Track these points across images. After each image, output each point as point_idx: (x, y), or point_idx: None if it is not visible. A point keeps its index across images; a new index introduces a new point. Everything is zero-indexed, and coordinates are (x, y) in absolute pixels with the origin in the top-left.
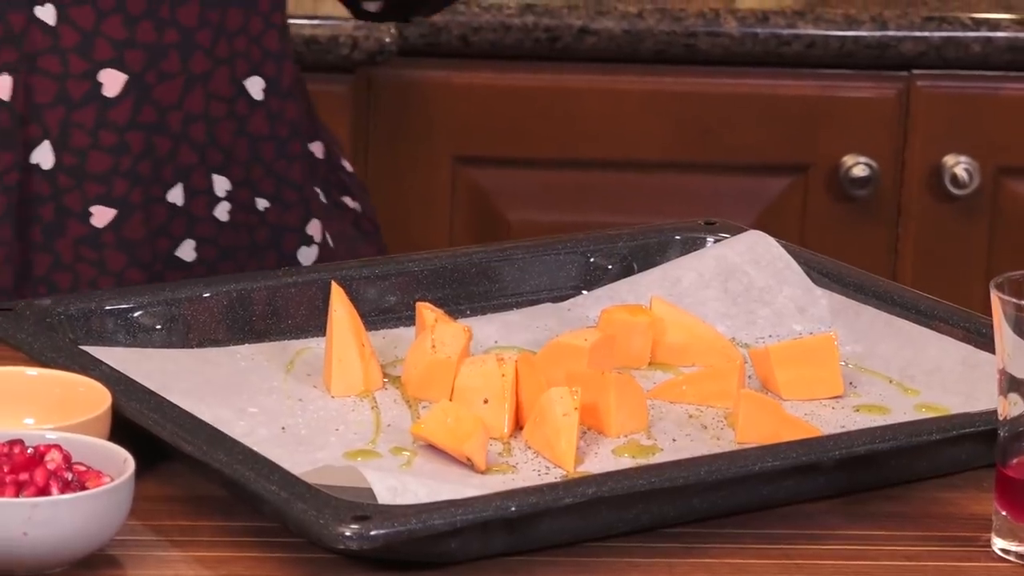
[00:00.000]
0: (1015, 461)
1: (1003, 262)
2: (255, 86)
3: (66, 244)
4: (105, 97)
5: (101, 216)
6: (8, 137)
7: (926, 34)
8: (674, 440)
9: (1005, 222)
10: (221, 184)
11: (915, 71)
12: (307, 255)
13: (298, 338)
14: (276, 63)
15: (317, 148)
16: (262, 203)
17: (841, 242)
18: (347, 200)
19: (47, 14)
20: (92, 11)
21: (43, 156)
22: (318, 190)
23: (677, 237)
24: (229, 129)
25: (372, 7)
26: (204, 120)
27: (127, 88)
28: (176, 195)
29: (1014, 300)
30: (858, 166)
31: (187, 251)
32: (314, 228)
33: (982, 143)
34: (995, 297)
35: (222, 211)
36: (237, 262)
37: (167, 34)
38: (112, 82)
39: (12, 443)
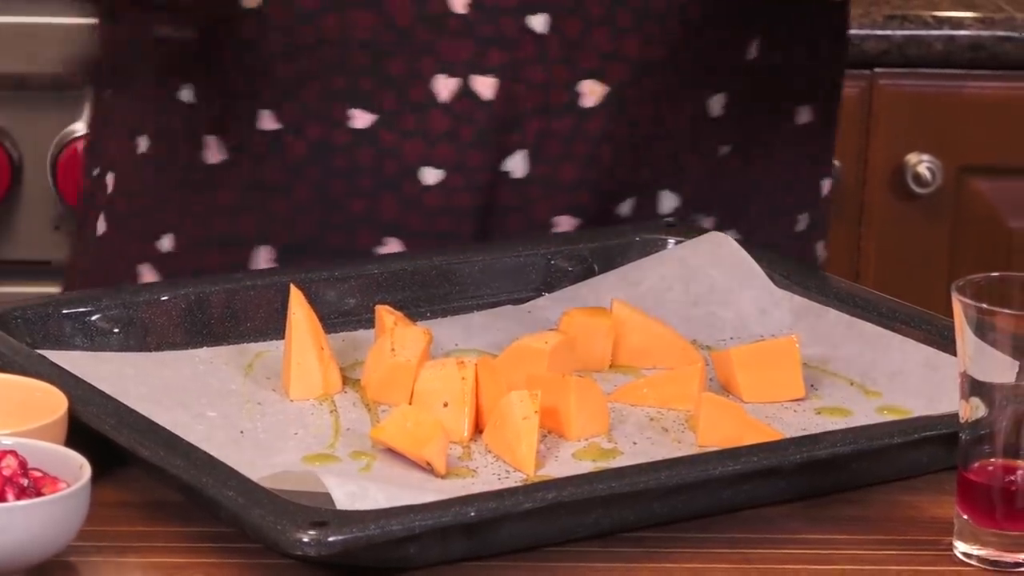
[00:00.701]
0: (976, 465)
1: (966, 261)
2: (716, 104)
3: None
4: (582, 108)
5: (565, 226)
6: (485, 137)
7: (888, 32)
8: (635, 443)
9: (968, 221)
10: (668, 202)
11: (877, 69)
12: None
13: (257, 341)
14: (737, 80)
15: None
16: (707, 221)
17: None
18: None
19: (539, 23)
20: (580, 22)
21: (516, 165)
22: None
23: (638, 239)
24: (685, 147)
25: None
26: (668, 138)
27: (605, 100)
28: (625, 208)
29: (975, 303)
30: None
31: None
32: None
33: (945, 142)
34: (956, 300)
35: None
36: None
37: (652, 50)
38: (593, 91)
39: None
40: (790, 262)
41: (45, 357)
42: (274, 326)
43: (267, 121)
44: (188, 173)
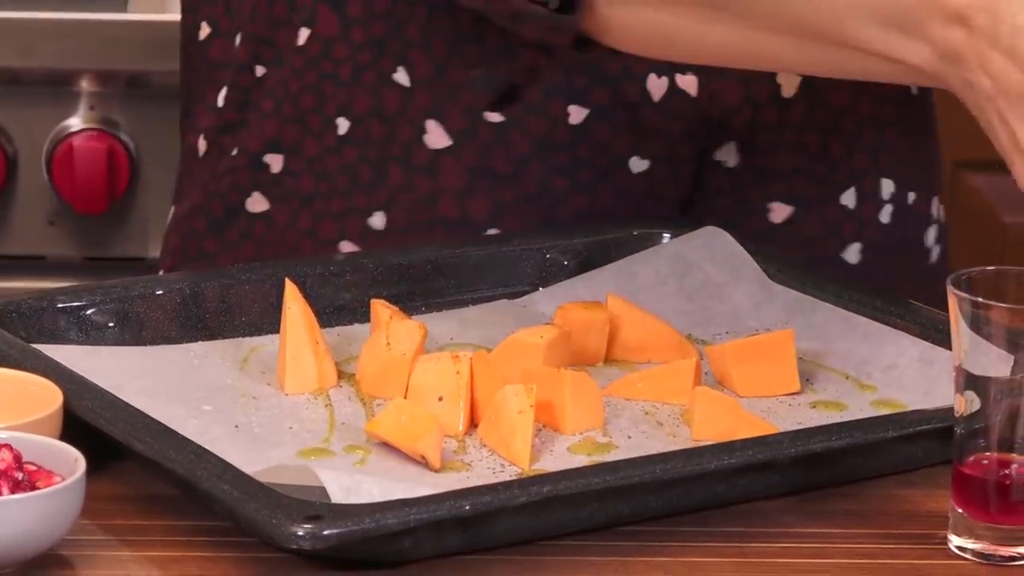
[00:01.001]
0: (971, 458)
1: (961, 256)
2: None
3: (746, 236)
4: (783, 99)
5: (779, 212)
6: (692, 132)
7: None
8: (629, 437)
9: (963, 216)
10: (887, 187)
11: None
12: (934, 235)
13: (252, 335)
14: None
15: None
16: (911, 196)
17: None
18: None
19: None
20: None
21: (727, 155)
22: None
23: (635, 233)
24: (896, 131)
25: None
26: (874, 125)
27: (803, 89)
28: (848, 198)
29: (970, 297)
30: None
31: (853, 254)
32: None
33: (941, 137)
34: (952, 294)
35: (886, 214)
36: (891, 257)
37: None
38: (790, 83)
39: None
40: (784, 257)
41: (40, 351)
42: (269, 320)
43: (491, 114)
44: (409, 154)
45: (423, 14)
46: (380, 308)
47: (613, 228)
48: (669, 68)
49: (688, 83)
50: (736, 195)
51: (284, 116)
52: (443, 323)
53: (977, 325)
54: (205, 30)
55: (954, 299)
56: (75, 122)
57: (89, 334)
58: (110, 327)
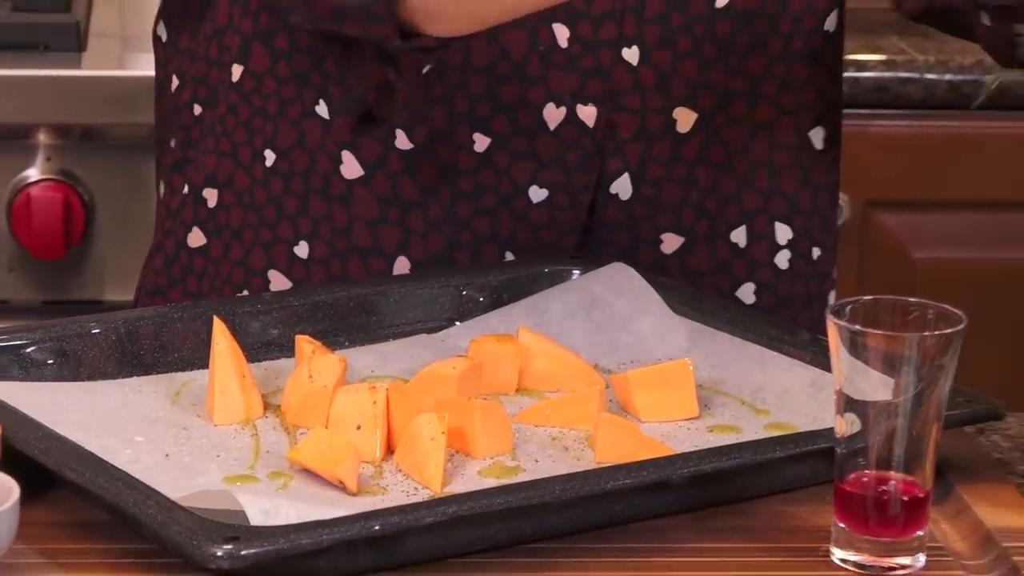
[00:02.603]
0: (852, 476)
1: (873, 290)
2: (817, 136)
3: (641, 268)
4: (678, 133)
5: (670, 243)
6: (588, 161)
7: None
8: (536, 461)
9: (874, 252)
10: (783, 232)
11: None
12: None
13: (184, 370)
14: (836, 114)
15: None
16: (816, 252)
17: None
18: None
19: (632, 56)
20: (670, 54)
21: (621, 187)
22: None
23: (545, 270)
24: (793, 178)
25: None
26: (768, 168)
27: (697, 126)
28: (739, 236)
29: (849, 325)
30: None
31: (747, 294)
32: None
33: (853, 178)
34: (831, 322)
35: (783, 259)
36: (792, 311)
37: (735, 81)
38: (685, 119)
39: None
40: (686, 290)
41: None
42: (200, 356)
43: (401, 139)
44: (328, 185)
45: (339, 49)
46: (304, 343)
47: (526, 266)
48: (570, 99)
49: (587, 114)
50: (630, 225)
51: (220, 151)
52: (365, 357)
53: (856, 351)
54: (175, 82)
55: (833, 327)
56: (33, 173)
57: (29, 371)
58: (49, 364)
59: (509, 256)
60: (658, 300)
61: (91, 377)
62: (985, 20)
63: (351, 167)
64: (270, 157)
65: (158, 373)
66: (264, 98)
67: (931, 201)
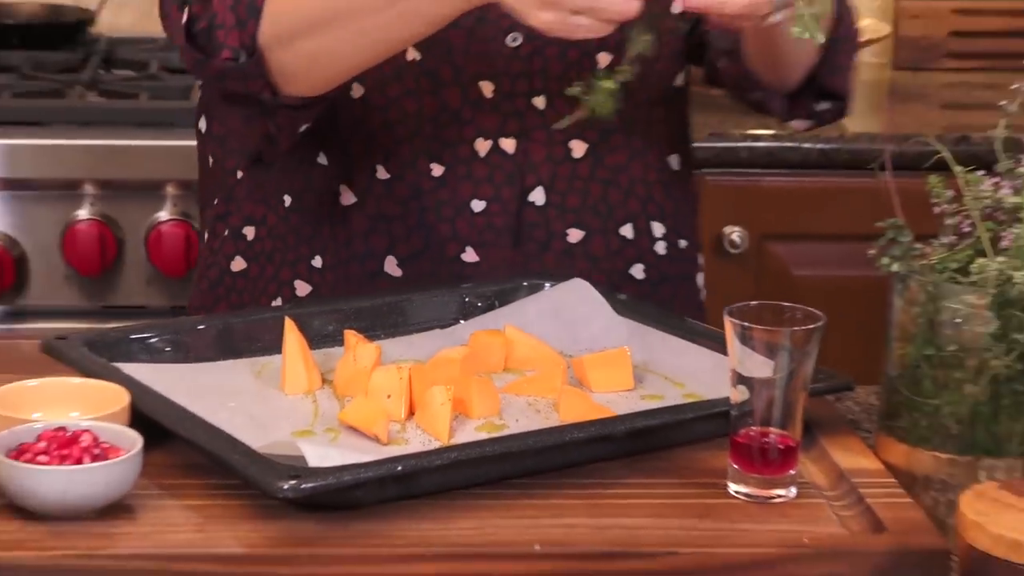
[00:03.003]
0: (742, 431)
1: (764, 296)
2: (674, 160)
3: (551, 255)
4: (574, 158)
5: (575, 235)
6: (512, 179)
7: (710, 144)
8: (517, 420)
9: (766, 272)
10: (658, 229)
11: (704, 169)
12: (701, 279)
13: (264, 355)
14: (686, 144)
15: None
16: (683, 243)
17: None
18: None
19: (540, 102)
20: (566, 101)
21: (537, 196)
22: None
23: (525, 284)
24: (660, 190)
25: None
26: (643, 183)
27: (588, 153)
28: (627, 231)
29: (740, 322)
30: None
31: (638, 272)
32: (700, 258)
33: (750, 217)
34: (727, 320)
35: (661, 248)
36: (672, 285)
37: (615, 120)
38: (579, 148)
39: (58, 429)
40: (627, 300)
41: (117, 368)
42: (276, 345)
43: (381, 172)
44: (331, 213)
45: (232, 107)
46: (350, 336)
47: (511, 281)
48: (495, 135)
49: (508, 145)
50: (545, 224)
51: (254, 199)
52: (395, 346)
53: (745, 341)
54: (211, 161)
55: (729, 324)
56: (163, 214)
57: (153, 356)
58: (167, 351)
59: (469, 251)
60: (607, 306)
61: (196, 360)
62: (723, 62)
63: (347, 196)
64: (288, 200)
65: (245, 357)
66: (285, 156)
67: (806, 234)
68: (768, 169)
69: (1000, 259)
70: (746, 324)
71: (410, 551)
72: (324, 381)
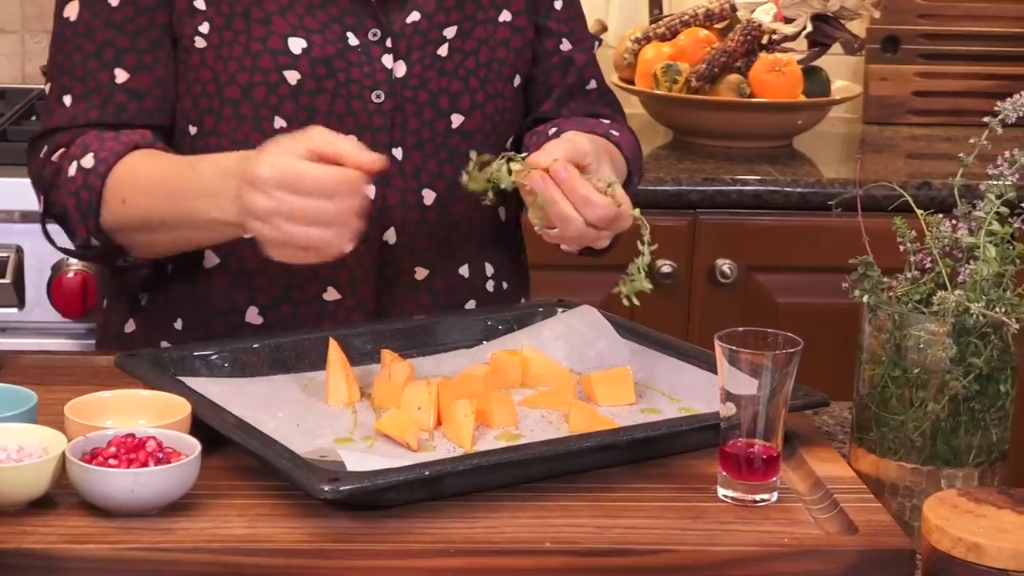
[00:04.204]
0: (731, 442)
1: (750, 323)
2: (502, 212)
3: (399, 290)
4: (425, 205)
5: (420, 274)
6: (374, 222)
7: (704, 187)
8: (532, 430)
9: (753, 299)
10: (489, 269)
11: (698, 210)
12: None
13: (311, 371)
14: (513, 199)
15: None
16: (505, 285)
17: (657, 313)
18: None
19: (398, 154)
20: (420, 154)
21: (390, 236)
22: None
23: (540, 309)
24: (491, 237)
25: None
26: (480, 230)
27: (435, 201)
28: (464, 271)
29: (728, 346)
30: (665, 266)
31: (471, 306)
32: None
33: (739, 251)
34: (717, 344)
35: (490, 286)
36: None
37: (458, 174)
38: (429, 196)
39: (127, 435)
40: (630, 325)
41: (181, 380)
42: (321, 362)
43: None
44: (195, 276)
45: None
46: (386, 354)
47: (529, 307)
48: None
49: (369, 191)
50: (394, 262)
51: (149, 265)
52: (425, 363)
53: (733, 362)
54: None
55: (718, 347)
56: None
57: (212, 371)
58: (225, 366)
59: (331, 290)
60: (612, 330)
61: (251, 375)
62: None
63: (210, 259)
64: (170, 267)
65: (294, 372)
66: None
67: (789, 266)
68: (755, 209)
69: (958, 292)
70: (733, 348)
71: (435, 546)
72: (363, 394)
